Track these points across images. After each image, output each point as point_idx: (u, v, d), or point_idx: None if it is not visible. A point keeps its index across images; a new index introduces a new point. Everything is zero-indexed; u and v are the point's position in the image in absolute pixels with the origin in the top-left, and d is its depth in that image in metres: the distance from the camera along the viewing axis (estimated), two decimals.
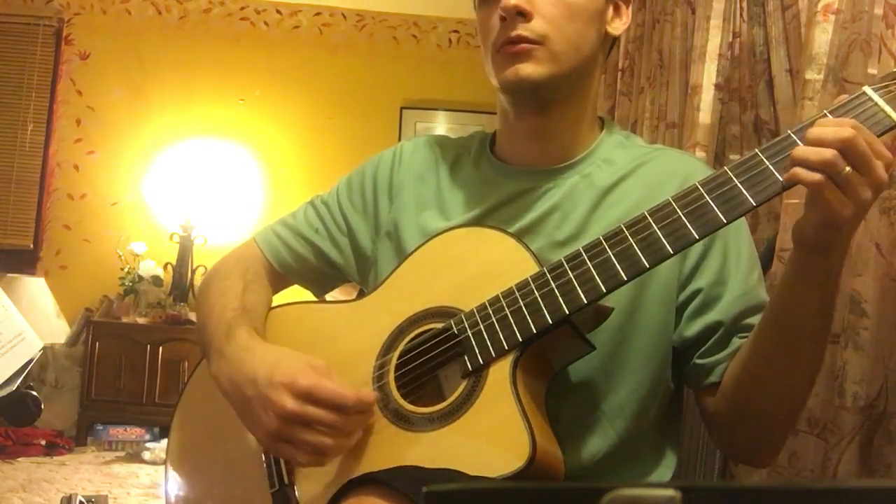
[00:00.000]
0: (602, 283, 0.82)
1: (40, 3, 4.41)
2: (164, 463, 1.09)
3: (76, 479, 3.27)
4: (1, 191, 4.32)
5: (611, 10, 1.01)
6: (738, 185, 0.79)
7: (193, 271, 4.26)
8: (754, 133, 2.06)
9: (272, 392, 0.87)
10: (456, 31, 4.64)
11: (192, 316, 4.09)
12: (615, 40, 1.05)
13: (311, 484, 0.91)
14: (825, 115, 0.79)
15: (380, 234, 1.08)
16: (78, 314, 4.03)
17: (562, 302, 0.83)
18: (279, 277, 1.12)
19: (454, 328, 0.88)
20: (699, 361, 0.95)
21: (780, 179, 0.78)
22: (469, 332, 0.87)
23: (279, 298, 1.12)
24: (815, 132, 0.76)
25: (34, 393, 1.06)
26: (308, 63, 4.56)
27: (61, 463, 3.53)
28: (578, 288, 0.83)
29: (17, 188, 4.35)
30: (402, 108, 4.56)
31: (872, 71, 1.45)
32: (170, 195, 4.37)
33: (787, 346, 0.85)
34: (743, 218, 0.95)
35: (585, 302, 0.82)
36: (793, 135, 0.79)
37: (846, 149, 0.74)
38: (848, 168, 0.74)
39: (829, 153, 0.74)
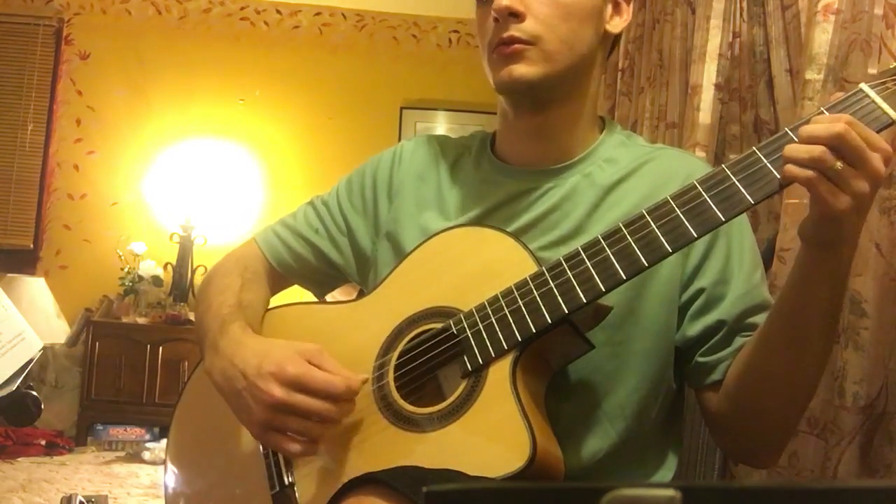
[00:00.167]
0: (601, 282, 0.82)
1: (40, 3, 4.41)
2: (164, 463, 1.09)
3: (76, 479, 3.27)
4: (1, 191, 4.32)
5: (610, 8, 1.00)
6: (736, 182, 0.79)
7: (193, 271, 4.26)
8: (754, 133, 2.06)
9: (260, 381, 0.87)
10: (456, 31, 4.64)
11: (192, 316, 4.09)
12: (617, 38, 1.05)
13: (312, 485, 0.91)
14: (822, 113, 0.79)
15: (379, 234, 1.08)
16: (78, 314, 4.03)
17: (561, 301, 0.83)
18: (279, 277, 1.13)
19: (453, 328, 0.88)
20: (701, 359, 0.95)
21: (778, 177, 0.78)
22: (468, 332, 0.87)
23: (279, 299, 1.13)
24: (807, 129, 0.76)
25: (34, 393, 1.06)
26: (308, 63, 4.56)
27: (61, 463, 3.53)
28: (577, 287, 0.83)
29: (17, 188, 4.35)
30: (402, 108, 4.56)
31: (872, 71, 1.45)
32: (170, 195, 4.37)
33: (794, 345, 0.85)
34: (745, 217, 0.95)
35: (584, 301, 0.82)
36: (790, 132, 0.79)
37: (837, 144, 0.74)
38: (839, 163, 0.74)
39: (817, 150, 0.74)
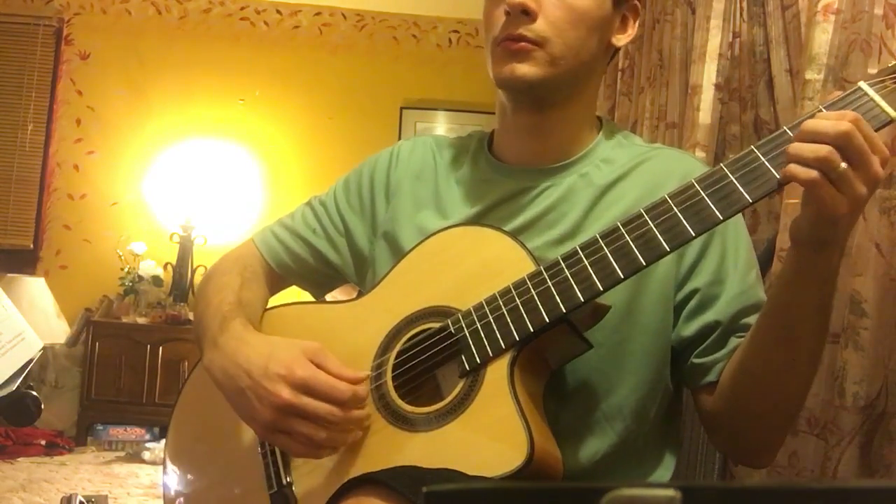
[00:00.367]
0: (599, 281, 0.82)
1: (40, 3, 4.41)
2: (163, 463, 1.09)
3: (76, 479, 3.27)
4: (1, 191, 4.32)
5: (618, 22, 1.00)
6: (734, 181, 0.79)
7: (193, 271, 4.26)
8: (754, 133, 2.06)
9: (268, 382, 0.87)
10: (456, 31, 4.63)
11: (192, 316, 4.08)
12: (617, 51, 1.05)
13: (309, 484, 0.91)
14: (820, 111, 0.78)
15: (377, 233, 1.08)
16: (78, 314, 4.03)
17: (559, 300, 0.83)
18: (277, 278, 1.13)
19: (451, 327, 0.88)
20: (697, 361, 0.94)
21: (777, 176, 0.77)
22: (466, 332, 0.87)
23: (278, 299, 1.12)
24: (811, 124, 0.75)
25: (34, 393, 1.06)
26: (308, 63, 4.56)
27: (61, 463, 3.53)
28: (575, 286, 0.82)
29: (17, 188, 4.35)
30: (402, 108, 4.56)
31: (872, 71, 1.45)
32: (170, 195, 4.37)
33: (785, 345, 0.85)
34: (740, 216, 0.95)
35: (582, 300, 0.82)
36: (788, 131, 0.79)
37: (843, 144, 0.73)
38: (844, 164, 0.73)
39: (824, 149, 0.73)
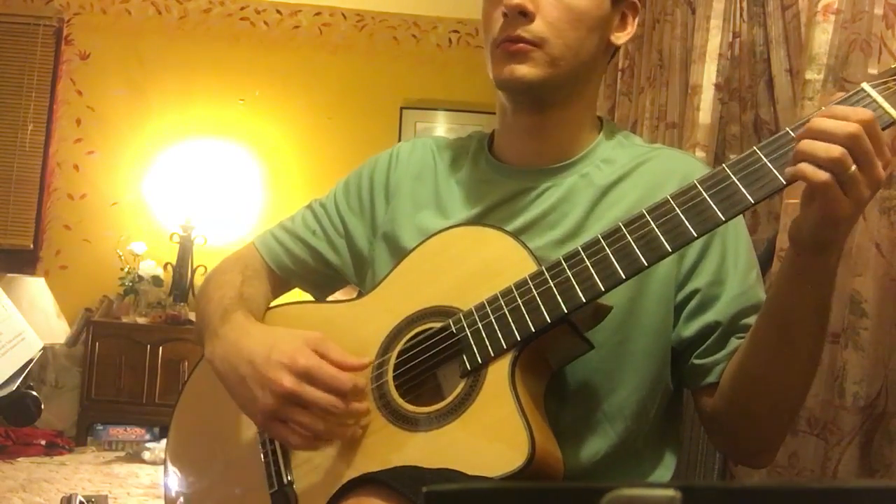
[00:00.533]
0: (600, 281, 0.82)
1: (40, 3, 4.41)
2: (164, 462, 1.09)
3: (76, 479, 3.27)
4: (1, 191, 4.32)
5: (617, 20, 1.00)
6: (737, 182, 0.79)
7: (193, 271, 4.26)
8: (754, 133, 2.06)
9: (270, 370, 0.87)
10: (456, 31, 4.63)
11: (193, 316, 4.09)
12: (617, 49, 1.05)
13: (310, 483, 0.91)
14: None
15: (377, 234, 1.08)
16: (78, 314, 4.03)
17: (560, 301, 0.83)
18: (279, 281, 1.13)
19: (453, 327, 0.88)
20: (697, 362, 0.95)
21: (779, 177, 0.77)
22: (467, 332, 0.87)
23: (279, 301, 1.13)
24: (819, 123, 0.74)
25: (34, 393, 1.06)
26: (308, 63, 4.56)
27: (61, 463, 3.53)
28: (577, 286, 0.82)
29: (17, 188, 4.35)
30: (402, 108, 4.56)
31: (872, 71, 1.45)
32: (170, 195, 4.37)
33: (784, 346, 0.85)
34: (741, 217, 0.95)
35: (584, 300, 0.82)
36: (791, 132, 0.79)
37: (850, 145, 0.73)
38: (854, 167, 0.73)
39: (837, 150, 0.73)
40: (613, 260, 0.82)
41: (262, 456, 0.96)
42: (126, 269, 4.20)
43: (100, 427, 3.88)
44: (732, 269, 0.95)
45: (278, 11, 4.60)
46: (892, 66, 0.80)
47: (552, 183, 1.00)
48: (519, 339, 0.84)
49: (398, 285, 0.98)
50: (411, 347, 0.91)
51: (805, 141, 0.75)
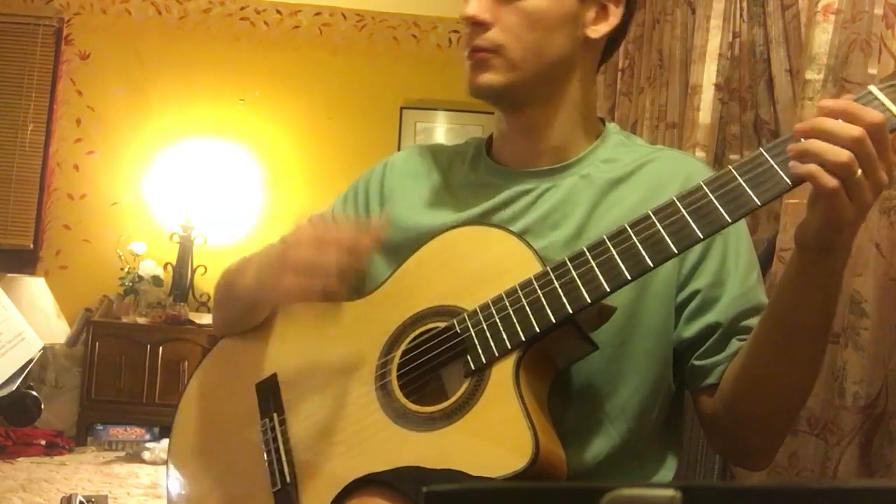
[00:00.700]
0: (606, 282, 0.82)
1: (40, 3, 4.41)
2: (166, 463, 1.09)
3: (76, 479, 3.27)
4: (1, 191, 4.32)
5: (592, 13, 0.99)
6: (743, 184, 0.79)
7: (193, 271, 4.26)
8: (754, 133, 2.06)
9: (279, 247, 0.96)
10: (456, 31, 4.63)
11: (193, 316, 4.09)
12: (615, 39, 1.03)
13: (313, 482, 0.91)
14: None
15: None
16: (78, 314, 4.02)
17: (565, 301, 0.83)
18: None
19: (457, 327, 0.88)
20: (697, 363, 0.95)
21: (786, 179, 0.77)
22: (472, 331, 0.87)
23: None
24: (825, 123, 0.74)
25: (34, 393, 1.06)
26: (308, 63, 4.56)
27: (61, 463, 3.53)
28: (582, 287, 0.83)
29: (17, 188, 4.35)
30: (402, 108, 4.56)
31: (872, 71, 1.45)
32: (170, 195, 4.36)
33: (787, 348, 0.85)
34: (742, 219, 0.95)
35: (589, 301, 0.82)
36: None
37: (857, 149, 0.73)
38: (860, 172, 0.73)
39: (845, 155, 0.73)
40: (619, 261, 0.82)
41: (265, 455, 0.96)
42: (126, 269, 4.20)
43: (100, 427, 3.88)
44: (733, 270, 0.95)
45: (278, 11, 4.60)
46: None
47: (552, 184, 1.00)
48: (523, 339, 0.84)
49: (402, 284, 0.98)
50: (415, 347, 0.91)
51: (814, 141, 0.75)
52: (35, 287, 3.77)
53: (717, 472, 1.23)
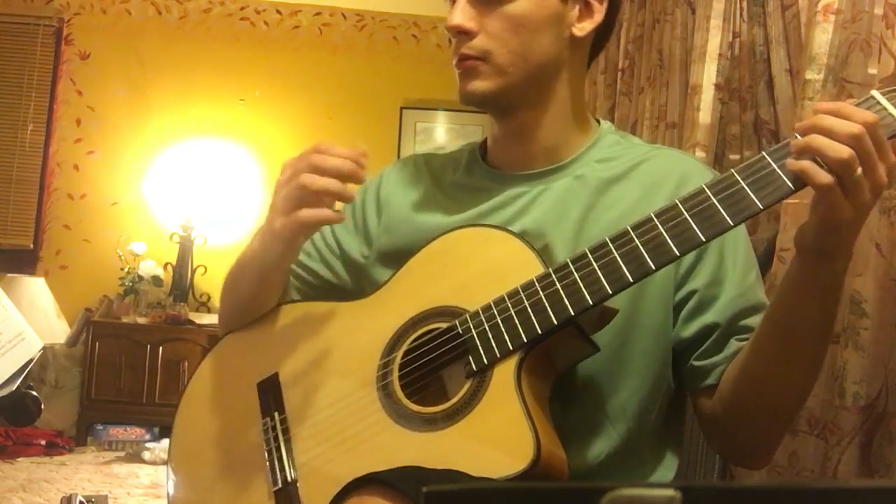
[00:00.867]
0: (608, 284, 0.82)
1: (40, 3, 4.41)
2: (167, 463, 1.09)
3: (76, 479, 3.27)
4: (1, 191, 4.32)
5: (576, 11, 0.98)
6: (745, 187, 0.79)
7: (193, 271, 4.26)
8: (754, 133, 2.06)
9: (273, 198, 0.95)
10: None
11: (193, 316, 4.09)
12: (600, 35, 1.03)
13: (314, 482, 0.91)
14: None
15: (371, 245, 1.09)
16: (78, 314, 4.02)
17: (567, 303, 0.83)
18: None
19: (459, 328, 0.88)
20: (696, 363, 0.95)
21: (788, 182, 0.77)
22: (474, 332, 0.87)
23: None
24: (823, 120, 0.74)
25: (34, 393, 1.06)
26: (308, 63, 4.56)
27: (61, 463, 3.53)
28: (584, 289, 0.83)
29: (17, 188, 4.35)
30: (402, 108, 4.56)
31: (872, 71, 1.45)
32: (170, 195, 4.36)
33: (787, 351, 0.85)
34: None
35: (591, 303, 0.82)
36: (799, 137, 0.79)
37: (856, 146, 0.73)
38: (859, 170, 0.73)
39: (846, 151, 0.73)
40: (621, 263, 0.82)
41: (265, 454, 0.96)
42: (126, 269, 4.20)
43: (100, 427, 3.88)
44: (731, 270, 0.95)
45: (278, 11, 4.60)
46: None
47: (545, 186, 1.00)
48: (525, 340, 0.84)
49: (404, 285, 0.98)
50: (417, 347, 0.91)
51: (815, 137, 0.75)
52: (35, 287, 3.77)
53: (717, 472, 1.23)
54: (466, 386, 0.85)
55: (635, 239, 0.82)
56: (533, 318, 0.84)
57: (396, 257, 1.01)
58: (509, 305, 0.86)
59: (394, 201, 1.09)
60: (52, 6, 4.41)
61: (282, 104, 4.52)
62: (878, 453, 1.37)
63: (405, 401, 0.89)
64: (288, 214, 0.92)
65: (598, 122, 1.07)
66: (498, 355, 0.85)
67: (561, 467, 0.82)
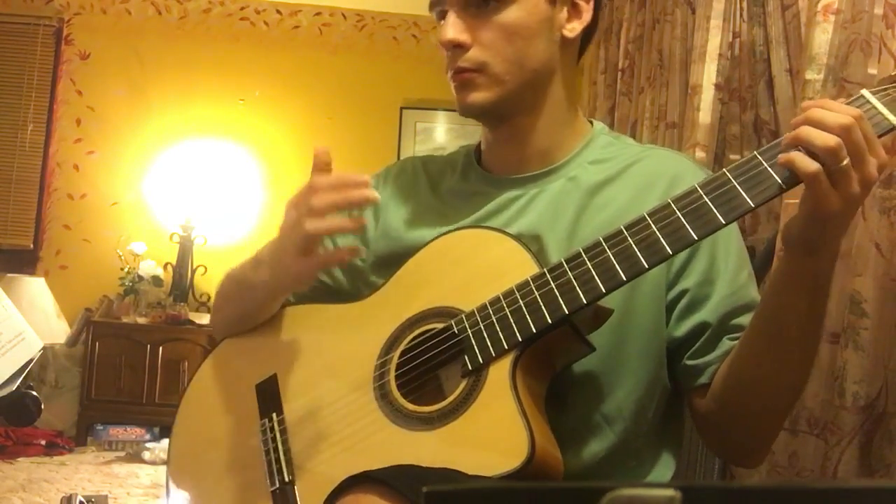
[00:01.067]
0: (601, 283, 0.82)
1: (40, 3, 4.41)
2: (166, 464, 1.09)
3: (76, 479, 3.27)
4: (1, 191, 4.32)
5: (564, 13, 0.99)
6: (737, 186, 0.79)
7: (193, 271, 4.26)
8: (754, 133, 2.07)
9: (285, 216, 0.96)
10: None
11: (193, 316, 4.09)
12: (587, 34, 1.03)
13: (311, 482, 0.91)
14: None
15: (368, 248, 1.09)
16: (78, 314, 4.02)
17: (561, 302, 0.83)
18: None
19: (455, 328, 0.89)
20: (689, 362, 0.95)
21: (779, 181, 0.78)
22: (469, 332, 0.87)
23: None
24: (813, 113, 0.75)
25: (34, 393, 1.06)
26: (308, 63, 4.56)
27: (61, 463, 3.53)
28: (578, 288, 0.83)
29: (17, 188, 4.35)
30: (402, 108, 4.56)
31: (872, 71, 1.45)
32: (170, 195, 4.37)
33: (775, 349, 0.86)
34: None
35: (585, 302, 0.83)
36: None
37: (846, 136, 0.73)
38: (847, 160, 0.74)
39: (833, 139, 0.73)
40: (614, 262, 0.82)
41: (263, 455, 0.96)
42: (126, 269, 4.20)
43: (100, 427, 3.88)
44: (723, 269, 0.95)
45: (278, 11, 4.60)
46: (893, 73, 0.81)
47: (539, 189, 1.01)
48: (520, 339, 0.84)
49: (401, 286, 0.98)
50: (413, 348, 0.91)
51: (803, 127, 0.76)
52: (35, 287, 3.77)
53: (717, 472, 1.23)
54: (462, 385, 0.86)
55: (629, 238, 0.82)
56: (528, 316, 0.84)
57: (392, 262, 1.01)
58: (504, 305, 0.86)
59: (391, 207, 1.09)
60: (52, 6, 4.41)
61: (282, 104, 4.52)
62: (878, 453, 1.37)
63: (401, 401, 0.89)
64: (301, 257, 0.93)
65: (591, 123, 1.07)
66: (493, 354, 0.85)
67: (556, 466, 0.82)
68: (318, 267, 0.94)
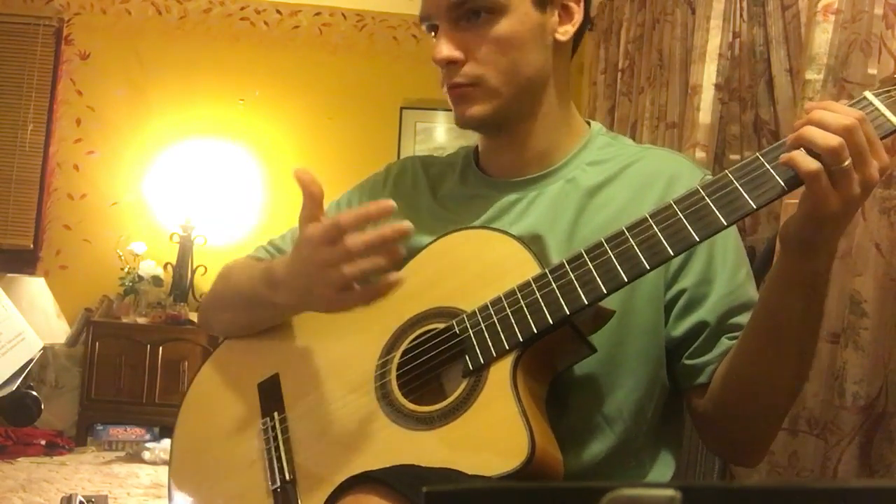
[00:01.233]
0: (603, 284, 0.82)
1: (40, 3, 4.41)
2: (168, 464, 1.09)
3: (76, 479, 3.27)
4: (1, 191, 4.32)
5: (555, 18, 0.99)
6: (739, 187, 0.79)
7: (193, 271, 4.26)
8: (754, 133, 2.07)
9: (301, 249, 0.88)
10: None
11: (193, 316, 4.09)
12: (579, 33, 1.03)
13: (312, 481, 0.91)
14: None
15: None
16: (78, 314, 4.03)
17: (563, 302, 0.83)
18: None
19: (456, 328, 0.89)
20: (688, 362, 0.95)
21: (781, 182, 0.78)
22: (470, 332, 0.87)
23: None
24: (816, 114, 0.75)
25: (34, 393, 1.06)
26: (308, 63, 4.56)
27: (61, 463, 3.53)
28: (579, 289, 0.83)
29: (17, 188, 4.35)
30: (402, 108, 4.56)
31: (872, 71, 1.45)
32: (170, 195, 4.37)
33: (773, 349, 0.86)
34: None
35: (586, 302, 0.83)
36: None
37: (848, 137, 0.74)
38: (848, 161, 0.74)
39: (835, 139, 0.73)
40: (616, 263, 0.82)
41: (264, 454, 0.97)
42: (126, 269, 4.20)
43: (100, 427, 3.88)
44: (721, 268, 0.95)
45: (278, 11, 4.61)
46: (894, 75, 0.81)
47: (538, 191, 1.01)
48: (521, 339, 0.84)
49: (403, 287, 0.98)
50: (415, 347, 0.91)
51: (806, 127, 0.76)
52: (35, 287, 3.77)
53: (717, 472, 1.23)
54: (463, 385, 0.86)
55: (630, 239, 0.83)
56: (529, 317, 0.84)
57: (392, 265, 1.01)
58: (506, 305, 0.86)
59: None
60: (52, 6, 4.41)
61: (282, 104, 4.52)
62: (878, 453, 1.37)
63: (402, 400, 0.89)
64: (339, 292, 0.88)
65: (589, 123, 1.08)
66: (494, 354, 0.85)
67: (556, 466, 0.82)
68: (358, 303, 0.89)
